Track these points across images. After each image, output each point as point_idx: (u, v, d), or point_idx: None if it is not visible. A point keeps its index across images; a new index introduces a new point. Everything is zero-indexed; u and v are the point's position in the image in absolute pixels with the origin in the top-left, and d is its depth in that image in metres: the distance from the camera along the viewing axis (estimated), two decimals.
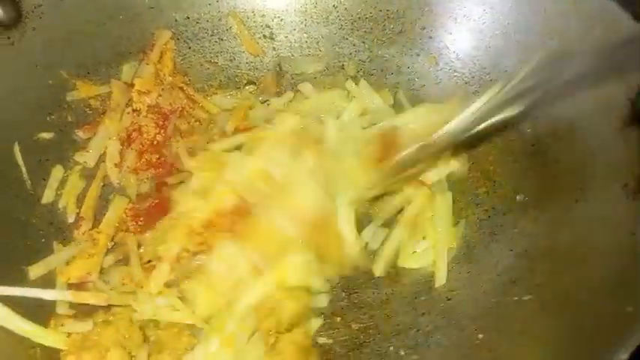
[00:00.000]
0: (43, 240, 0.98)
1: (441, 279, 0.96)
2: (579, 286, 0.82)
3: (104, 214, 1.00)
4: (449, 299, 0.94)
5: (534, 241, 0.93)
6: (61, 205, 1.02)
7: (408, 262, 0.99)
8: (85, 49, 1.12)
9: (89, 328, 0.84)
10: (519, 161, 1.03)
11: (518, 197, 1.00)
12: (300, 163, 0.94)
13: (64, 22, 1.09)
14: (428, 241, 0.99)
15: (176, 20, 1.20)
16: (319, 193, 0.92)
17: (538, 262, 0.90)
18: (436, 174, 1.05)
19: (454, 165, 1.07)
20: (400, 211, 1.03)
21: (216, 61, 1.23)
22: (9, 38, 1.02)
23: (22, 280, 0.91)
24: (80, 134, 1.08)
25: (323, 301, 0.95)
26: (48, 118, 1.06)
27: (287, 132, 1.00)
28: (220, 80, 1.22)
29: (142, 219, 0.99)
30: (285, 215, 0.90)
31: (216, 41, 1.23)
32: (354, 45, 1.23)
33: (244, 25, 1.23)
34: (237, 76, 1.23)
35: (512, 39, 1.09)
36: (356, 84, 1.18)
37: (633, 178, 0.82)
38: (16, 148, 1.00)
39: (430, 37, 1.18)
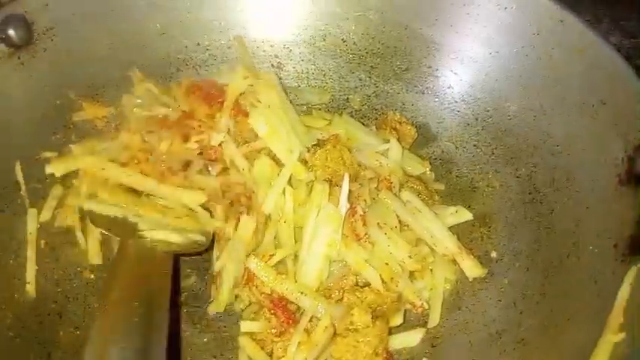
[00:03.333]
0: (38, 255, 0.99)
1: (434, 320, 0.94)
2: (564, 345, 0.81)
3: None
4: (434, 346, 0.92)
5: (523, 293, 0.92)
6: (57, 224, 1.03)
7: None
8: (94, 71, 1.13)
9: None
10: (516, 208, 1.02)
11: (511, 246, 0.99)
12: None
13: (75, 45, 1.11)
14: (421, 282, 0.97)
15: (186, 47, 1.22)
16: None
17: (525, 316, 0.89)
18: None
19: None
20: None
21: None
22: (19, 58, 1.04)
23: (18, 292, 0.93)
24: None
25: None
26: (52, 138, 1.08)
27: None
28: None
29: None
30: None
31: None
32: (360, 79, 1.24)
33: (248, 50, 1.24)
34: None
35: (517, 83, 1.09)
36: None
37: (622, 240, 0.80)
38: (18, 167, 1.01)
39: (436, 77, 1.19)
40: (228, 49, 1.24)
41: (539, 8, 1.05)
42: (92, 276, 1.00)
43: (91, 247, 1.01)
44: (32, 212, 1.00)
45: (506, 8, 1.09)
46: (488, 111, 1.12)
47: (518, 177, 1.04)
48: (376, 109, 1.22)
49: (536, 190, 1.00)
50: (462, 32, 1.14)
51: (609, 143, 0.91)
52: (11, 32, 1.03)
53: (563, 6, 1.04)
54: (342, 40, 1.24)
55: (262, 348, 0.91)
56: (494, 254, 1.00)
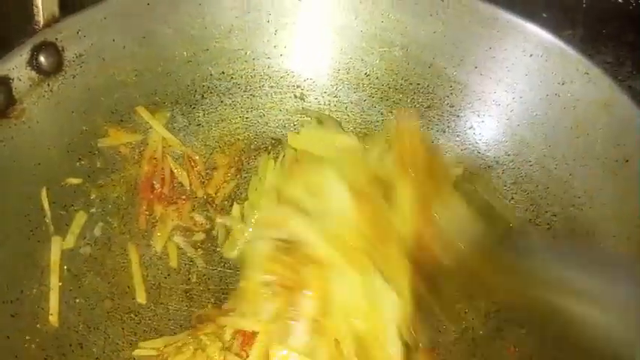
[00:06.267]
0: (60, 284, 1.00)
1: None
2: None
3: None
4: None
5: (541, 347, 0.93)
6: (82, 251, 1.04)
7: None
8: (120, 97, 1.15)
9: None
10: None
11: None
12: None
13: (103, 71, 1.12)
14: None
15: (211, 74, 1.23)
16: None
17: None
18: None
19: None
20: None
21: (247, 116, 1.25)
22: (49, 85, 1.05)
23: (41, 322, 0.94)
24: None
25: None
26: (77, 164, 1.09)
27: None
28: (248, 135, 1.25)
29: None
30: None
31: (247, 97, 1.26)
32: (381, 114, 1.25)
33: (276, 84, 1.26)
34: (264, 132, 1.25)
35: (539, 131, 1.10)
36: None
37: None
38: (44, 193, 1.02)
39: (458, 116, 1.20)
40: (252, 78, 1.26)
41: (566, 58, 1.06)
42: (112, 305, 1.01)
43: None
44: (56, 240, 1.02)
45: (531, 55, 1.09)
46: (509, 155, 1.13)
47: (537, 225, 1.05)
48: None
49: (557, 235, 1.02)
50: (487, 75, 1.15)
51: (631, 202, 0.92)
52: (42, 59, 1.04)
53: (589, 58, 1.05)
54: (366, 74, 1.25)
55: None
56: (511, 301, 1.01)
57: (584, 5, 1.42)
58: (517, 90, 1.12)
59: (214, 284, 1.07)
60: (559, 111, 1.07)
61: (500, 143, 1.15)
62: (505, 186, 1.13)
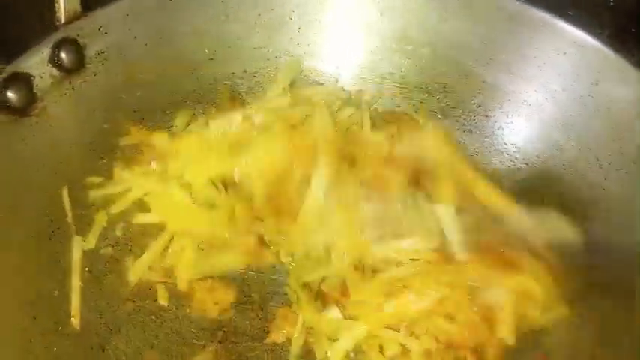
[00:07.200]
0: (82, 285, 0.99)
1: None
2: None
3: None
4: None
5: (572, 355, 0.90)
6: (102, 252, 1.02)
7: None
8: (142, 95, 1.13)
9: None
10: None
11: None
12: None
13: (125, 69, 1.10)
14: None
15: (233, 73, 1.21)
16: None
17: None
18: None
19: None
20: None
21: None
22: (70, 83, 1.04)
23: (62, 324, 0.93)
24: None
25: None
26: (99, 163, 1.07)
27: None
28: None
29: None
30: None
31: None
32: (405, 114, 1.22)
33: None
34: None
35: (572, 132, 1.06)
36: None
37: None
38: (65, 193, 1.01)
39: (486, 116, 1.17)
40: (274, 76, 1.23)
41: (600, 57, 1.02)
42: (133, 307, 1.00)
43: None
44: (78, 240, 1.00)
45: (565, 53, 1.06)
46: (539, 157, 1.10)
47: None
48: None
49: (591, 247, 0.98)
50: (517, 74, 1.12)
51: None
52: (63, 56, 1.02)
53: (624, 55, 1.01)
54: (390, 72, 1.22)
55: None
56: None
57: (611, 3, 1.37)
58: (549, 90, 1.09)
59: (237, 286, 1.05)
60: (592, 112, 1.03)
61: (530, 145, 1.12)
62: (535, 189, 1.09)
